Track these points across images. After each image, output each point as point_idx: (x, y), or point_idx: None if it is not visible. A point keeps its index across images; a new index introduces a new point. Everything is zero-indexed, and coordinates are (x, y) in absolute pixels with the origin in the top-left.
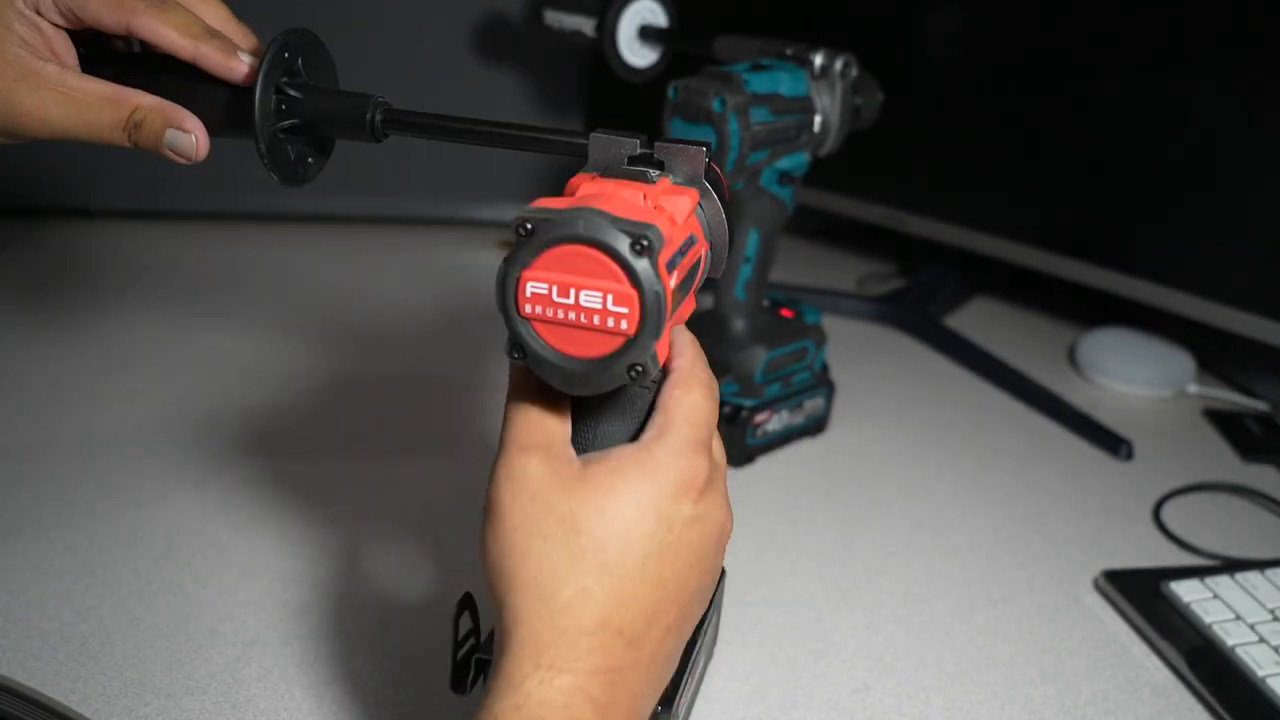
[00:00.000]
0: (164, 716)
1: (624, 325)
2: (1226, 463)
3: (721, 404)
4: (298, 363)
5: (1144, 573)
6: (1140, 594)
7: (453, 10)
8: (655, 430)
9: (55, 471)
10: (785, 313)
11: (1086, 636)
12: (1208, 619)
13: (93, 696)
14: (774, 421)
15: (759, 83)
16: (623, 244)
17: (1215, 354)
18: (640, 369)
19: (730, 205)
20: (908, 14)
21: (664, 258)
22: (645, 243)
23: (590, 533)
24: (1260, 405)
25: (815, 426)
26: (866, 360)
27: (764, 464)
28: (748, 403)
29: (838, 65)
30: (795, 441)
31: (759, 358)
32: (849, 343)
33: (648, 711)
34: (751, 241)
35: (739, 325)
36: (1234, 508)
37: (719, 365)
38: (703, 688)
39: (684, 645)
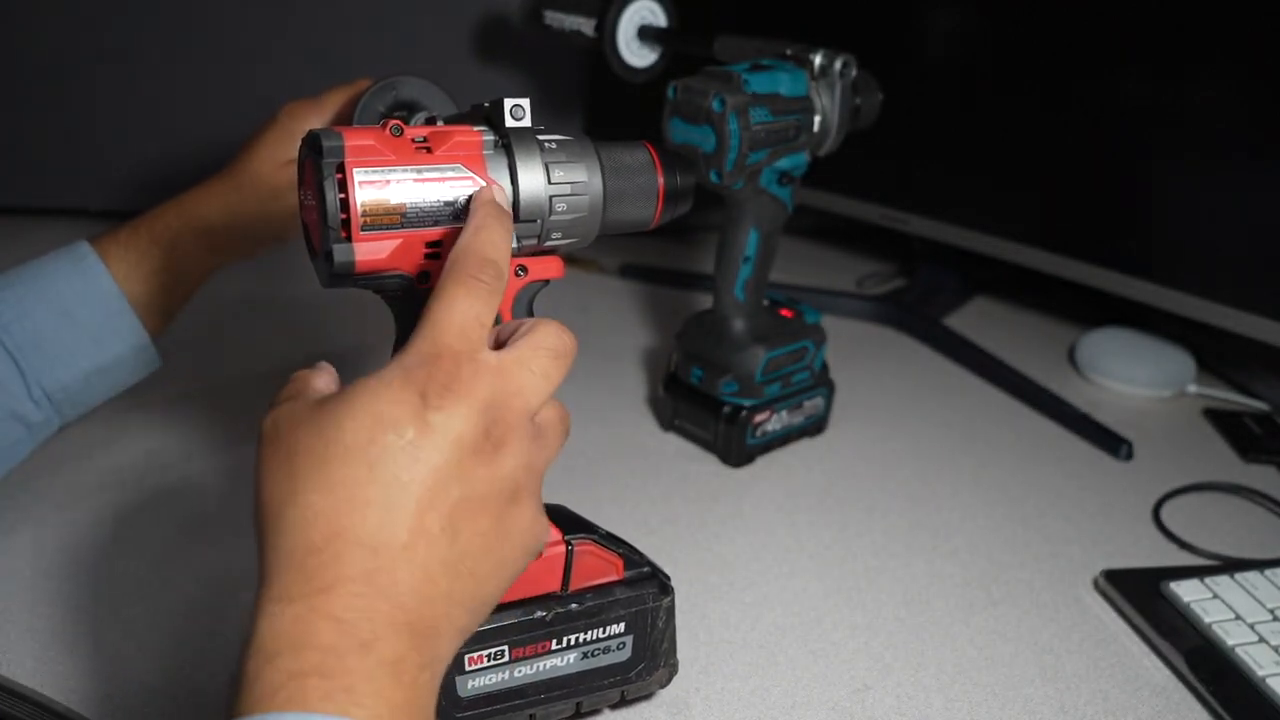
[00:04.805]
0: (164, 717)
1: None
2: (1226, 463)
3: (721, 404)
4: (301, 361)
5: (1144, 572)
6: (1140, 594)
7: (453, 10)
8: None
9: (54, 472)
10: (785, 313)
11: (1086, 636)
12: (1208, 619)
13: (93, 697)
14: (773, 421)
15: (759, 83)
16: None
17: (1215, 354)
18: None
19: (730, 205)
20: (907, 14)
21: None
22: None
23: (311, 451)
24: (1260, 405)
25: (815, 427)
26: (866, 360)
27: (764, 464)
28: (747, 403)
29: (837, 65)
30: (795, 441)
31: (759, 358)
32: (849, 343)
33: (451, 617)
34: (751, 241)
35: (739, 325)
36: (1234, 508)
37: (719, 365)
38: (704, 687)
39: (481, 552)
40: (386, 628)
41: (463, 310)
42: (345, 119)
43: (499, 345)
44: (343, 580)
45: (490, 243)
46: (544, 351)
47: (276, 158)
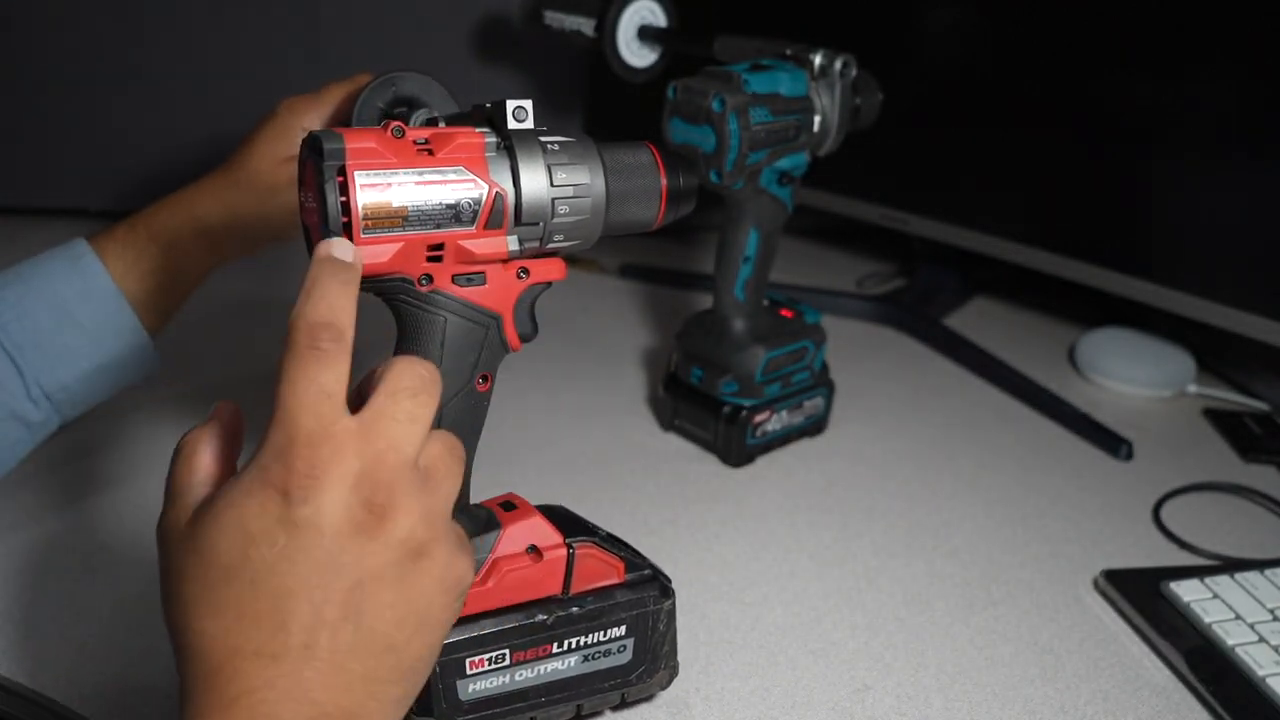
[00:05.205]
0: (164, 716)
1: None
2: (1226, 463)
3: (721, 404)
4: None
5: (1144, 572)
6: (1140, 594)
7: (453, 10)
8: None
9: (54, 472)
10: (785, 313)
11: (1086, 636)
12: (1208, 619)
13: (93, 696)
14: (773, 422)
15: (759, 83)
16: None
17: (1215, 354)
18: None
19: (730, 205)
20: (907, 14)
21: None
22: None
23: (193, 577)
24: (1260, 405)
25: (815, 427)
26: (866, 360)
27: (763, 464)
28: (747, 403)
29: (837, 65)
30: (795, 442)
31: (759, 358)
32: (849, 343)
33: (377, 694)
34: (751, 241)
35: (739, 325)
36: (1234, 508)
37: (719, 365)
38: (704, 687)
39: (394, 623)
40: None
41: (305, 387)
42: (344, 114)
43: (362, 399)
44: (247, 692)
45: (323, 303)
46: (403, 394)
47: (275, 154)
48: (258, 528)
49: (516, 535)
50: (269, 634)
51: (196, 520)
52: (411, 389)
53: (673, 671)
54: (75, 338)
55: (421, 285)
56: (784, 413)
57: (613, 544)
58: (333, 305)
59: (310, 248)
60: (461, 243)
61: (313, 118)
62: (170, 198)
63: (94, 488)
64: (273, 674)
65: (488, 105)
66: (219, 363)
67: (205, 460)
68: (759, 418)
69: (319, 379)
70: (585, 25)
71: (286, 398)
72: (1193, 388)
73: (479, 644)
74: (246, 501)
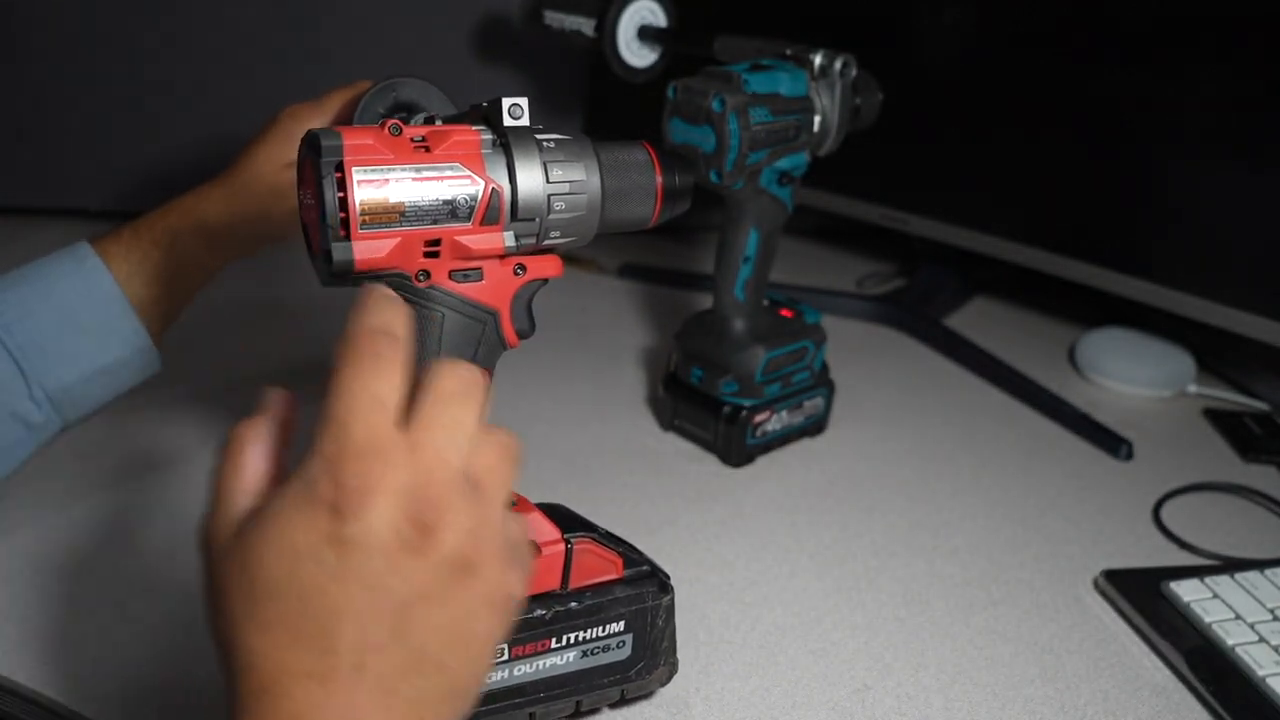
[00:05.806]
0: (163, 717)
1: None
2: (1226, 463)
3: (721, 404)
4: (303, 360)
5: (1144, 572)
6: (1140, 594)
7: (453, 10)
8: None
9: (54, 472)
10: (785, 313)
11: (1086, 636)
12: (1208, 619)
13: (93, 696)
14: (773, 422)
15: (758, 83)
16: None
17: (1215, 354)
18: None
19: (730, 205)
20: (908, 14)
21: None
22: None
23: (239, 591)
24: (1260, 405)
25: (815, 427)
26: (866, 360)
27: (764, 464)
28: (747, 403)
29: (837, 65)
30: (795, 442)
31: (759, 358)
32: (849, 343)
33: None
34: (751, 241)
35: (739, 325)
36: (1234, 508)
37: (719, 365)
38: (704, 687)
39: (444, 644)
40: None
41: (359, 393)
42: (345, 120)
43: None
44: (295, 715)
45: (379, 314)
46: (447, 398)
47: (277, 159)
48: (305, 545)
49: None
50: (318, 655)
51: (242, 534)
52: (455, 393)
53: (672, 668)
54: (78, 340)
55: (419, 281)
56: (784, 413)
57: (611, 540)
58: (389, 318)
59: (310, 247)
60: (458, 238)
61: (314, 123)
62: (174, 202)
63: (94, 488)
64: (322, 697)
65: (484, 104)
66: (221, 364)
67: (253, 462)
68: (759, 418)
69: (373, 386)
70: (585, 25)
71: (339, 405)
72: (1193, 388)
73: None
74: (294, 517)
